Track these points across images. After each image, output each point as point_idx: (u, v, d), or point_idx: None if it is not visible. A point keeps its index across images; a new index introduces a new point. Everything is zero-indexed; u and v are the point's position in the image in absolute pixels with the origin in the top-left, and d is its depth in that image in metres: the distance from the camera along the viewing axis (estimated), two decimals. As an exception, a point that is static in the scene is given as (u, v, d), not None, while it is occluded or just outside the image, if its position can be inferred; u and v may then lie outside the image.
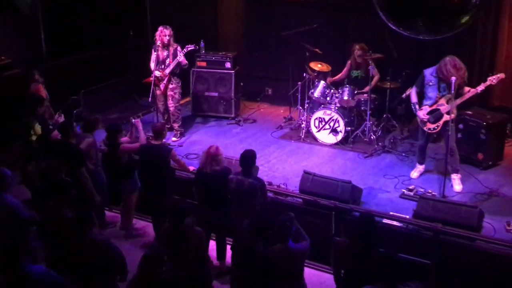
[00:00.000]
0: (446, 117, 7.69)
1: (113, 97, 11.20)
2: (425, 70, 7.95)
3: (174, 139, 9.81)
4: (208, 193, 6.80)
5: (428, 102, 7.92)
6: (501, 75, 7.61)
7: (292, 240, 5.57)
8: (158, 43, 9.45)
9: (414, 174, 8.34)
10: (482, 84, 7.65)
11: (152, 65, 9.51)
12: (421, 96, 8.04)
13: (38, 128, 7.88)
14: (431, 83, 7.85)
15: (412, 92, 8.05)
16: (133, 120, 8.09)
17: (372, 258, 5.18)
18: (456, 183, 7.98)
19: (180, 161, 7.74)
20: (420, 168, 8.37)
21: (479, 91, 7.66)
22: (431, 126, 7.87)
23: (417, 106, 7.96)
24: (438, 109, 7.79)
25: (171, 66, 9.47)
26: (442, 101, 7.78)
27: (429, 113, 7.87)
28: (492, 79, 7.58)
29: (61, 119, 8.31)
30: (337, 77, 10.00)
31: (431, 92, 7.87)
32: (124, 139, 7.78)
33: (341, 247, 5.61)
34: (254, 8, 11.51)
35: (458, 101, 7.66)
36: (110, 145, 7.63)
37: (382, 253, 5.19)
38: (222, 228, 6.98)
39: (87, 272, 5.38)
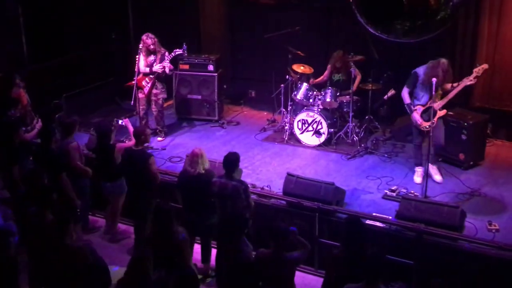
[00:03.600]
0: (440, 113, 7.79)
1: (95, 101, 11.16)
2: (417, 70, 7.93)
3: (159, 139, 9.82)
4: (192, 195, 6.80)
5: (422, 101, 7.90)
6: (485, 65, 7.70)
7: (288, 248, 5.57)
8: (144, 48, 9.44)
9: (417, 179, 8.22)
10: (471, 76, 7.69)
11: (141, 66, 9.48)
12: (411, 95, 8.05)
13: (21, 132, 7.84)
14: (425, 82, 7.81)
15: (405, 93, 8.00)
16: (121, 121, 8.11)
17: (363, 261, 5.19)
18: (435, 173, 8.02)
19: (154, 171, 7.38)
20: (420, 171, 8.25)
21: (468, 83, 7.70)
22: (426, 124, 7.88)
23: (412, 107, 7.93)
24: (431, 107, 7.81)
25: (158, 67, 9.43)
26: (435, 98, 7.81)
27: (422, 112, 7.91)
28: (478, 70, 7.67)
29: (39, 124, 8.27)
30: (318, 80, 10.03)
31: (426, 92, 7.85)
32: None
33: (336, 258, 5.58)
34: (236, 10, 11.52)
35: (451, 95, 7.73)
36: (102, 147, 7.58)
37: (370, 253, 5.20)
38: (206, 231, 6.97)
39: (67, 279, 5.34)
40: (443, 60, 7.73)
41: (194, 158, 6.78)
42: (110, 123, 8.01)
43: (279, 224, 5.69)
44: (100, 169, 7.70)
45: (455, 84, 7.77)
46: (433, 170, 8.08)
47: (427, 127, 7.88)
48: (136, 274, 5.06)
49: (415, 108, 7.93)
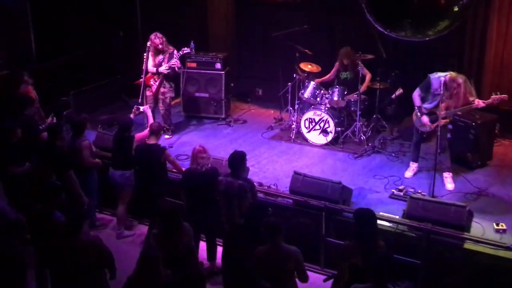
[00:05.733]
0: (441, 122, 7.71)
1: (103, 98, 11.18)
2: (432, 78, 7.77)
3: (166, 136, 9.83)
4: (198, 193, 6.81)
5: (428, 106, 7.87)
6: (505, 97, 7.57)
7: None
8: (152, 48, 9.47)
9: (408, 173, 8.36)
10: (484, 101, 7.65)
11: (149, 65, 9.51)
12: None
13: (18, 132, 7.82)
14: (437, 92, 7.74)
15: (416, 96, 7.95)
16: (142, 108, 8.38)
17: (375, 254, 5.18)
18: (448, 182, 8.02)
19: (175, 161, 7.73)
20: (413, 166, 8.38)
21: (479, 106, 7.67)
22: (426, 127, 7.92)
23: (423, 110, 7.88)
24: (435, 112, 7.78)
25: (165, 68, 9.44)
26: (442, 106, 7.73)
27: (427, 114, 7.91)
28: (495, 98, 7.57)
29: (54, 121, 8.30)
30: (324, 78, 10.01)
31: (435, 98, 7.80)
32: None
33: (348, 249, 5.54)
34: (244, 9, 11.52)
35: (458, 110, 7.76)
36: (121, 139, 7.64)
37: (379, 254, 5.20)
38: (211, 228, 6.98)
39: (76, 271, 5.37)
40: (460, 80, 7.58)
41: (198, 155, 6.81)
42: (129, 116, 8.12)
43: (269, 219, 5.69)
44: (114, 158, 7.75)
45: (474, 104, 7.67)
46: (447, 179, 8.06)
47: (424, 130, 7.96)
48: (146, 273, 5.06)
49: (425, 112, 7.90)
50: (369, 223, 5.48)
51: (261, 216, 5.84)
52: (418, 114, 7.97)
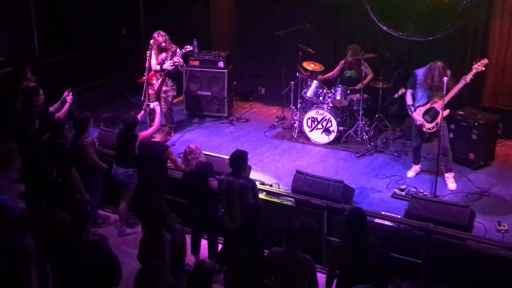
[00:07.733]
0: (443, 113, 7.71)
1: (105, 96, 11.21)
2: (416, 71, 7.98)
3: None
4: (193, 192, 6.86)
5: (421, 102, 7.93)
6: (484, 60, 7.66)
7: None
8: (155, 46, 9.47)
9: (410, 173, 8.38)
10: (470, 73, 7.68)
11: (152, 63, 9.51)
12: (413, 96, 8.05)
13: (36, 123, 7.89)
14: (421, 82, 7.87)
15: (407, 94, 8.05)
16: (152, 105, 8.44)
17: (365, 254, 5.18)
18: (450, 182, 8.03)
19: (177, 161, 7.68)
20: (416, 168, 8.40)
21: (468, 80, 7.69)
22: (430, 125, 7.88)
23: (412, 108, 7.96)
24: (433, 107, 7.81)
25: (169, 64, 9.43)
26: (436, 98, 7.79)
27: (424, 113, 7.90)
28: (477, 66, 7.63)
29: (70, 97, 8.34)
30: (328, 75, 10.00)
31: (424, 92, 7.89)
32: None
33: (336, 247, 5.59)
34: (247, 7, 11.52)
35: (451, 94, 7.66)
36: (124, 137, 7.65)
37: (377, 255, 5.19)
38: (212, 227, 6.98)
39: (78, 273, 5.36)
40: (439, 63, 7.70)
41: (184, 155, 6.91)
42: (134, 115, 8.14)
43: (292, 225, 5.66)
44: (117, 156, 7.75)
45: (462, 81, 7.72)
46: (449, 179, 8.09)
47: (430, 128, 7.91)
48: (150, 277, 5.02)
49: (416, 109, 7.92)
50: (357, 222, 5.49)
51: (254, 220, 5.82)
52: (409, 113, 8.01)
